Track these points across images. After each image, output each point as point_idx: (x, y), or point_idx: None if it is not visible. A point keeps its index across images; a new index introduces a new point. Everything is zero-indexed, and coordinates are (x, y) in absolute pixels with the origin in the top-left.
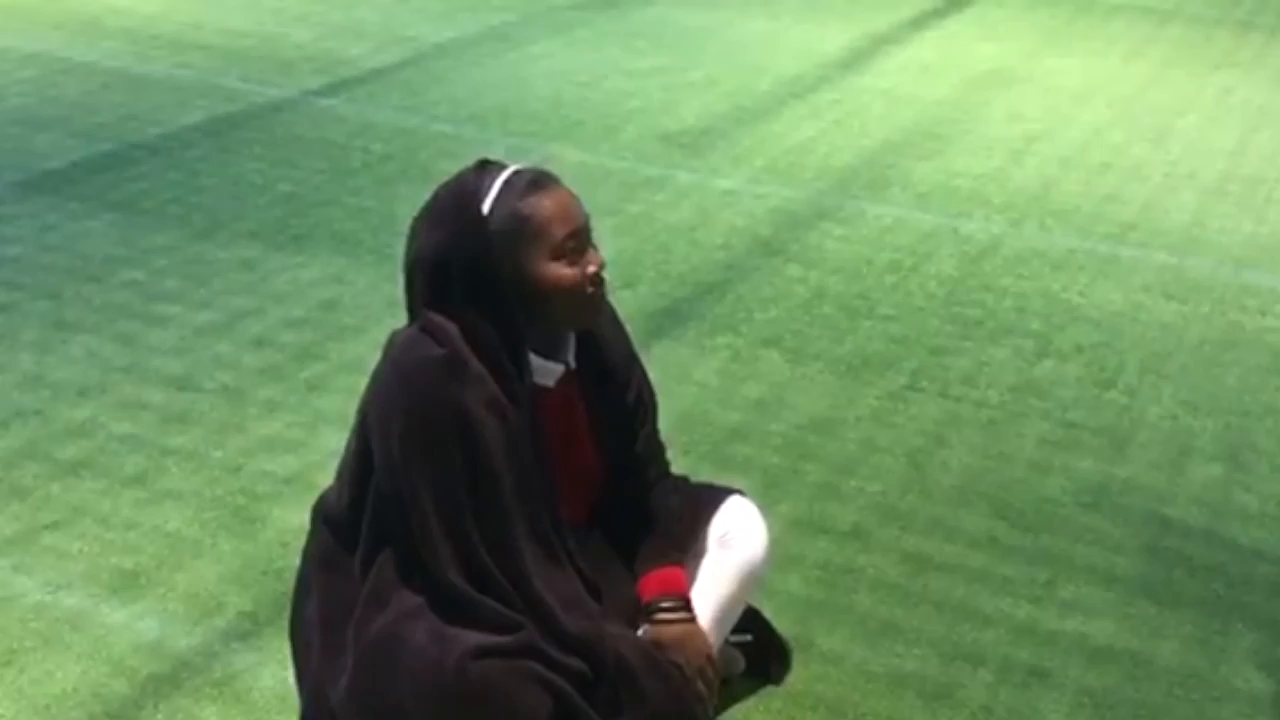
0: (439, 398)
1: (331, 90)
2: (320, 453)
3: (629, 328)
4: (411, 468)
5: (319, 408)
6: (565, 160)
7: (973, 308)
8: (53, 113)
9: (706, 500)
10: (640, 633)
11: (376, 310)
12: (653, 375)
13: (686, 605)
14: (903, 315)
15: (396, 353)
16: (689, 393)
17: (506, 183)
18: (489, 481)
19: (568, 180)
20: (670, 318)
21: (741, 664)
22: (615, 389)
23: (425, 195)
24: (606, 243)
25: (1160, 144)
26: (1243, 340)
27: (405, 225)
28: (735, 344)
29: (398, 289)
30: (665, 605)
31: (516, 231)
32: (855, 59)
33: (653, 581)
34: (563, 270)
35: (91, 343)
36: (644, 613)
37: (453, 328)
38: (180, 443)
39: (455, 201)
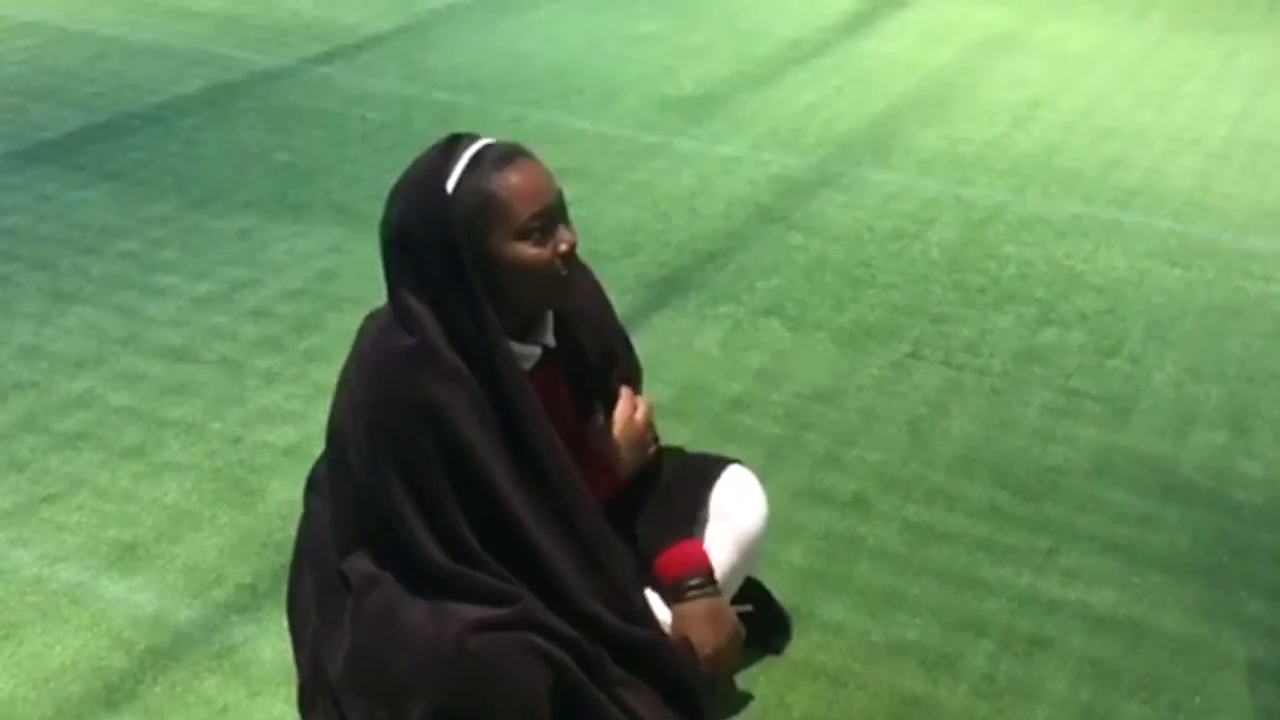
0: (407, 389)
1: (329, 58)
2: (319, 424)
3: (628, 298)
4: (381, 460)
5: (318, 379)
6: (562, 128)
7: (975, 275)
8: (49, 82)
9: (704, 470)
10: (668, 613)
11: (375, 281)
12: (653, 345)
13: (712, 579)
14: (905, 283)
15: (365, 345)
16: (690, 362)
17: (474, 158)
18: (471, 468)
19: (565, 148)
20: (671, 287)
21: (743, 634)
22: (599, 366)
23: None
24: (606, 211)
25: (1164, 109)
26: (1247, 306)
27: None
28: (736, 313)
29: None
30: (693, 583)
31: (479, 210)
32: (857, 23)
33: (674, 559)
34: (529, 251)
35: (89, 314)
36: (672, 592)
37: (425, 312)
38: (179, 414)
39: (421, 178)
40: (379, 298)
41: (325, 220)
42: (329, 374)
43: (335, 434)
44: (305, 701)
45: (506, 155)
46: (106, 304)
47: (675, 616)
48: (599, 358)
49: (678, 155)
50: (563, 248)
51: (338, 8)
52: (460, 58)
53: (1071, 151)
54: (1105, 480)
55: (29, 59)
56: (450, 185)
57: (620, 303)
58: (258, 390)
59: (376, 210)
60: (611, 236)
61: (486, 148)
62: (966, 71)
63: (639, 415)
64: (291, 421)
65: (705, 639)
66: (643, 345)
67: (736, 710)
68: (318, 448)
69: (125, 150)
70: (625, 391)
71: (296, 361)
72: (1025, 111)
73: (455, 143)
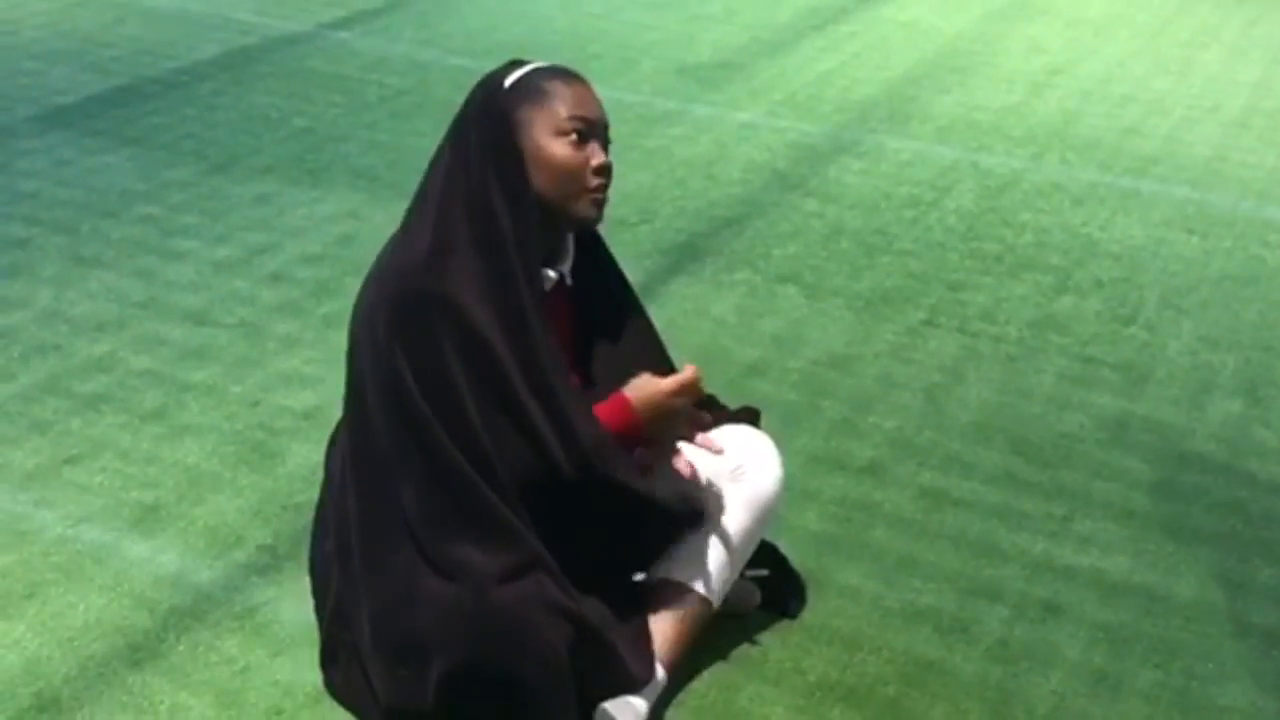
0: (430, 282)
1: (346, 23)
2: (338, 388)
3: (645, 264)
4: (397, 356)
5: (336, 343)
6: None
7: (992, 243)
8: (67, 46)
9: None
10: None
11: None
12: (670, 311)
13: None
14: (921, 250)
15: (386, 251)
16: (706, 328)
17: (536, 68)
18: (488, 365)
19: None
20: (687, 253)
21: (758, 598)
22: (616, 311)
23: (442, 129)
24: (624, 177)
25: (1183, 77)
26: (1264, 275)
27: (422, 160)
28: (753, 279)
29: None
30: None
31: (527, 99)
32: None
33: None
34: (562, 148)
35: (109, 278)
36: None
37: (457, 208)
38: (199, 378)
39: (486, 78)
40: None
41: (344, 185)
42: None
43: (352, 347)
44: (327, 659)
45: (565, 70)
46: (127, 268)
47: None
48: (608, 306)
49: (695, 122)
50: (595, 161)
51: None
52: (478, 23)
53: (1089, 119)
54: (1120, 448)
55: (48, 23)
56: (509, 81)
57: (637, 269)
58: (277, 354)
59: (395, 176)
60: (628, 202)
61: (552, 64)
62: (984, 38)
63: (676, 388)
64: (310, 386)
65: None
66: (660, 312)
67: (751, 674)
68: (337, 411)
69: (144, 115)
70: (692, 369)
71: (315, 326)
72: (1043, 79)
73: (522, 60)
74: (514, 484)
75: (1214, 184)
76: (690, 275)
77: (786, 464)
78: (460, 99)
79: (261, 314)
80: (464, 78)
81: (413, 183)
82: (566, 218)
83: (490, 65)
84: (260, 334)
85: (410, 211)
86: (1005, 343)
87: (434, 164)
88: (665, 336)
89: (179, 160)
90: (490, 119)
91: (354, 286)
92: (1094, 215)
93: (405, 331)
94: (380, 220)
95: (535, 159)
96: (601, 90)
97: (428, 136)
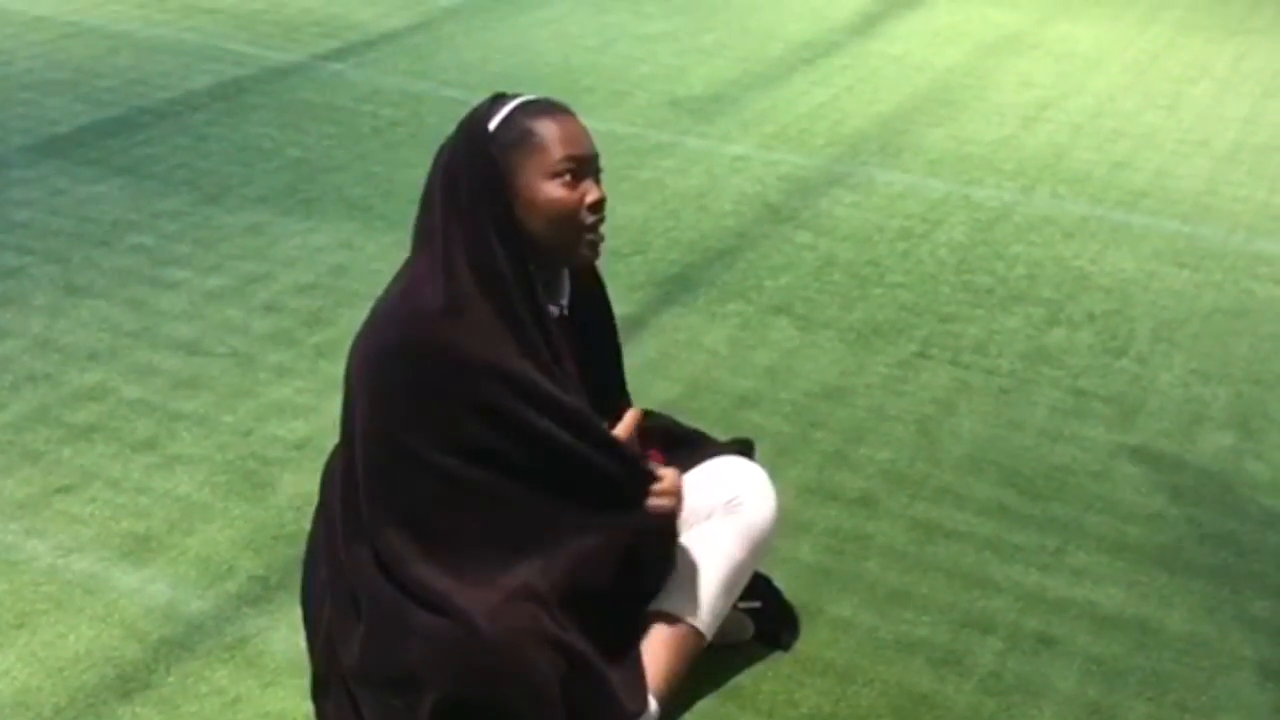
0: (435, 342)
1: (340, 55)
2: (330, 418)
3: (637, 295)
4: (395, 398)
5: (329, 373)
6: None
7: (984, 275)
8: (61, 77)
9: (713, 443)
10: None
11: (386, 276)
12: (662, 342)
13: None
14: (913, 283)
15: (395, 295)
16: (699, 360)
17: (520, 105)
18: (516, 416)
19: None
20: (680, 284)
21: (750, 630)
22: (605, 339)
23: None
24: (616, 209)
25: (1173, 111)
26: (1254, 308)
27: (415, 191)
28: (745, 311)
29: (407, 254)
30: None
31: (516, 144)
32: (867, 24)
33: None
34: (556, 190)
35: (101, 307)
36: None
37: (459, 258)
38: (191, 407)
39: (468, 120)
40: None
41: (337, 215)
42: (340, 368)
43: (350, 384)
44: (319, 690)
45: (549, 105)
46: (119, 297)
47: None
48: (605, 333)
49: (687, 154)
50: (590, 198)
51: (349, 4)
52: (471, 55)
53: (1080, 153)
54: (1112, 480)
55: (42, 54)
56: (493, 124)
57: (630, 300)
58: (269, 384)
59: (388, 206)
60: (621, 234)
61: (533, 99)
62: (975, 72)
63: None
64: (303, 415)
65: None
66: (652, 342)
67: (744, 706)
68: (329, 441)
69: (137, 145)
70: (633, 415)
71: (308, 355)
72: (1034, 112)
73: (502, 95)
74: (569, 512)
75: (1204, 218)
76: (683, 306)
77: (779, 495)
78: (452, 129)
79: (254, 344)
80: (457, 109)
81: (405, 213)
82: (565, 258)
83: (482, 97)
84: (252, 364)
85: (414, 253)
86: (997, 375)
87: (428, 205)
88: (657, 367)
89: (172, 190)
90: (478, 168)
91: (347, 316)
92: (1085, 248)
93: (410, 381)
94: (373, 250)
95: (530, 204)
96: (594, 123)
97: (420, 167)
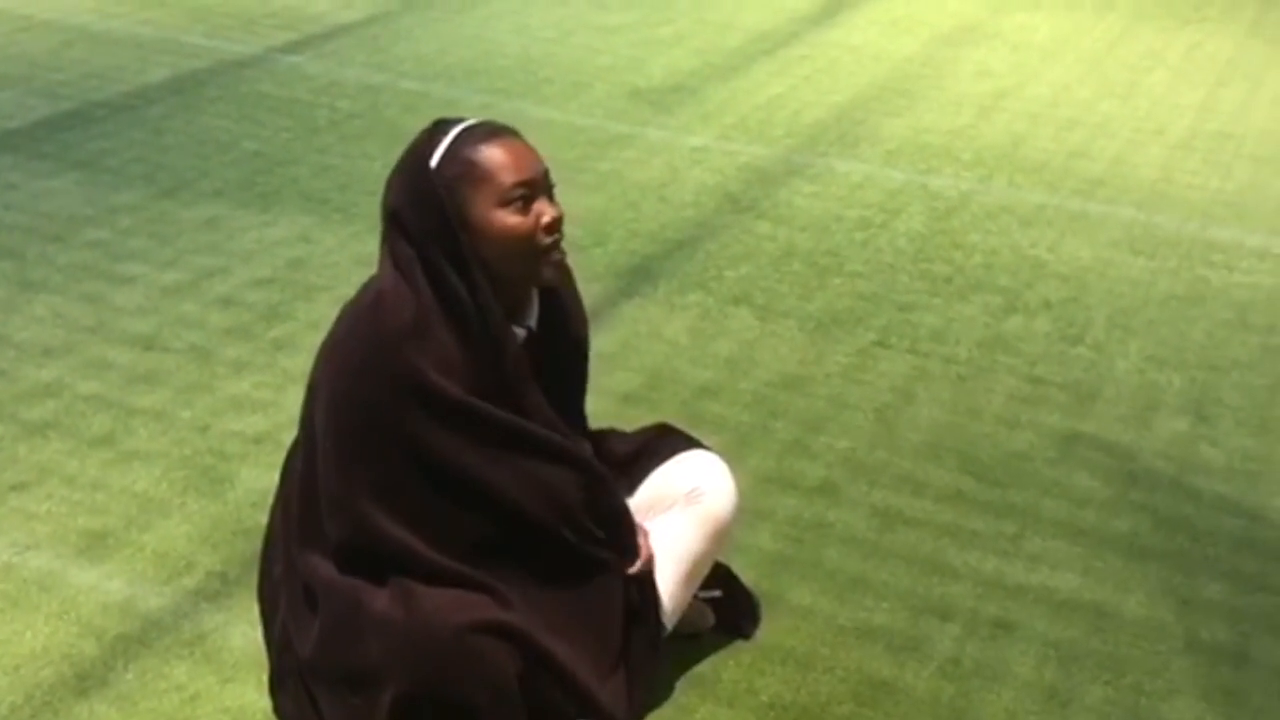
0: (397, 362)
1: (297, 47)
2: (288, 412)
3: (597, 286)
4: (355, 426)
5: (287, 367)
6: (531, 117)
7: (941, 264)
8: (14, 70)
9: (667, 443)
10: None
11: (344, 269)
12: (622, 333)
13: None
14: (872, 272)
15: (359, 315)
16: (659, 350)
17: (460, 135)
18: (475, 429)
19: (534, 138)
20: (640, 275)
21: (711, 619)
22: (573, 354)
23: (393, 153)
24: (575, 200)
25: (1128, 100)
26: (1209, 295)
27: (373, 183)
28: (705, 301)
29: (365, 247)
30: None
31: (461, 178)
32: (824, 15)
33: None
34: (510, 218)
35: (56, 303)
36: None
37: (422, 284)
38: (147, 403)
39: (408, 156)
40: (348, 286)
41: (294, 209)
42: (298, 362)
43: (313, 389)
44: (276, 685)
45: (491, 130)
46: (74, 292)
47: None
48: (576, 345)
49: (647, 145)
50: (545, 219)
51: None
52: (429, 47)
53: (1036, 142)
54: (1069, 466)
55: None
56: (435, 160)
57: (590, 291)
58: (227, 379)
59: (345, 199)
60: (580, 225)
61: (473, 125)
62: (932, 62)
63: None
64: (260, 410)
65: None
66: (612, 333)
67: (705, 695)
68: (287, 436)
69: (92, 139)
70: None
71: (265, 350)
72: (991, 102)
73: (442, 123)
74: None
75: (1160, 205)
76: (643, 297)
77: (739, 484)
78: (411, 124)
79: (211, 338)
80: (415, 101)
81: (363, 206)
82: (526, 282)
83: (441, 89)
84: (209, 358)
85: (382, 263)
86: (955, 363)
87: (389, 224)
88: (618, 358)
89: (127, 184)
90: (424, 207)
91: (305, 310)
92: (1042, 236)
93: (371, 404)
94: (331, 243)
95: (483, 234)
96: (553, 114)
97: (378, 160)
